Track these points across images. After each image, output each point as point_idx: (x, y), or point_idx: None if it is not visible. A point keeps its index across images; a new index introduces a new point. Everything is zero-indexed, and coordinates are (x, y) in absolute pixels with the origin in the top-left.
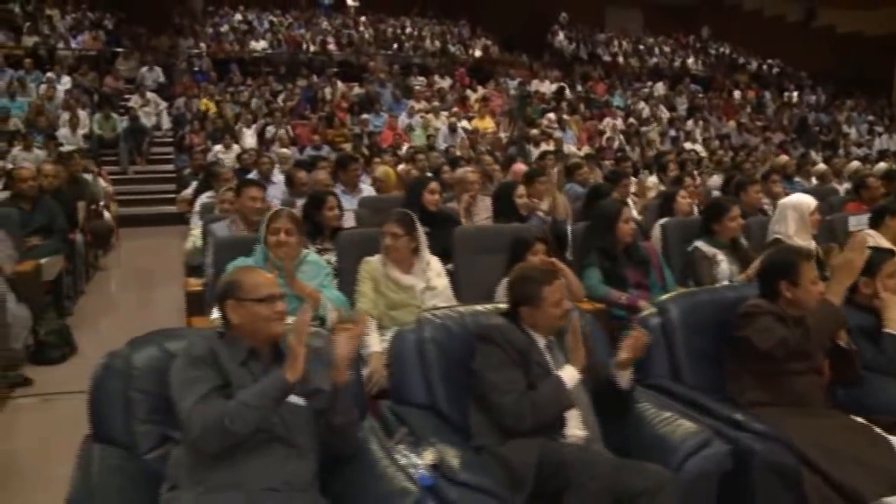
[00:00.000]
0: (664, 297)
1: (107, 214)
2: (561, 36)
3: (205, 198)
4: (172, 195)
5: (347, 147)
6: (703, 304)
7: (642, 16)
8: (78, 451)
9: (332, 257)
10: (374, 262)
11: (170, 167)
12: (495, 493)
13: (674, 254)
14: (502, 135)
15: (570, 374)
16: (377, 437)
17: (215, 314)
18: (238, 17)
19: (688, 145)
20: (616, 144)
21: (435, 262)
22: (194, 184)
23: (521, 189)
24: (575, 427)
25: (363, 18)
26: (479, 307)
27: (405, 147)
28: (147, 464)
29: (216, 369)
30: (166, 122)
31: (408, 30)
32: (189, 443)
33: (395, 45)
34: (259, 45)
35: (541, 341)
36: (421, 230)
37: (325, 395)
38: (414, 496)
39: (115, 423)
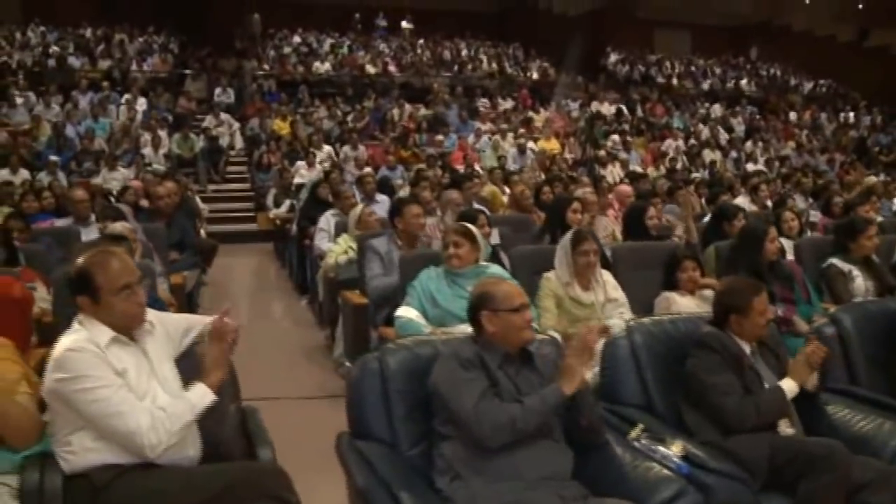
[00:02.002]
0: (835, 309)
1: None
2: (613, 58)
3: (329, 215)
4: (250, 213)
5: (421, 167)
6: (872, 314)
7: (690, 37)
8: (340, 447)
9: None
10: (553, 279)
11: (245, 186)
12: (744, 480)
13: (808, 270)
14: (568, 156)
15: (789, 386)
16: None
17: None
18: (297, 39)
19: (750, 166)
20: (679, 166)
21: (607, 275)
22: (287, 202)
23: (652, 211)
24: (785, 426)
25: (420, 41)
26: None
27: (478, 168)
28: (410, 459)
29: (484, 372)
30: (239, 142)
31: (463, 52)
32: (470, 438)
33: (456, 67)
34: (323, 66)
35: (746, 348)
36: None
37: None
38: (679, 483)
39: (376, 421)
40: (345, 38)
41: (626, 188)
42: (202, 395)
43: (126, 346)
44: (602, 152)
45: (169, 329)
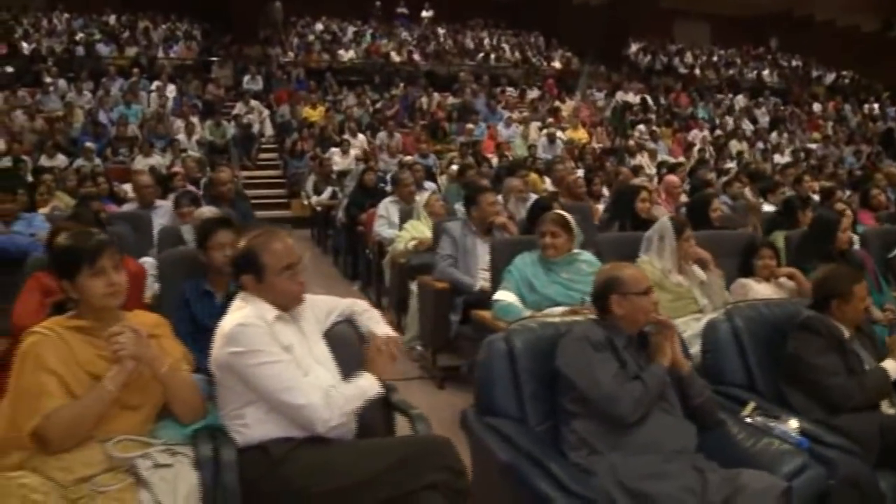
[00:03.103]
0: None
1: None
2: (634, 47)
3: (388, 202)
4: (282, 200)
5: (452, 156)
6: None
7: (709, 27)
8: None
9: None
10: (650, 264)
11: (276, 172)
12: (859, 454)
13: (874, 260)
14: (596, 145)
15: (892, 367)
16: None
17: None
18: (319, 26)
19: (777, 158)
20: (707, 156)
21: None
22: (329, 189)
23: (716, 202)
24: (886, 406)
25: (440, 30)
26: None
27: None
28: (539, 435)
29: (614, 353)
30: (269, 129)
31: (485, 40)
32: (605, 415)
33: (480, 56)
34: (347, 55)
35: (846, 332)
36: None
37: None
38: (802, 457)
39: (505, 399)
40: (367, 27)
41: (675, 179)
42: (371, 385)
43: (287, 324)
44: (631, 142)
45: (315, 310)
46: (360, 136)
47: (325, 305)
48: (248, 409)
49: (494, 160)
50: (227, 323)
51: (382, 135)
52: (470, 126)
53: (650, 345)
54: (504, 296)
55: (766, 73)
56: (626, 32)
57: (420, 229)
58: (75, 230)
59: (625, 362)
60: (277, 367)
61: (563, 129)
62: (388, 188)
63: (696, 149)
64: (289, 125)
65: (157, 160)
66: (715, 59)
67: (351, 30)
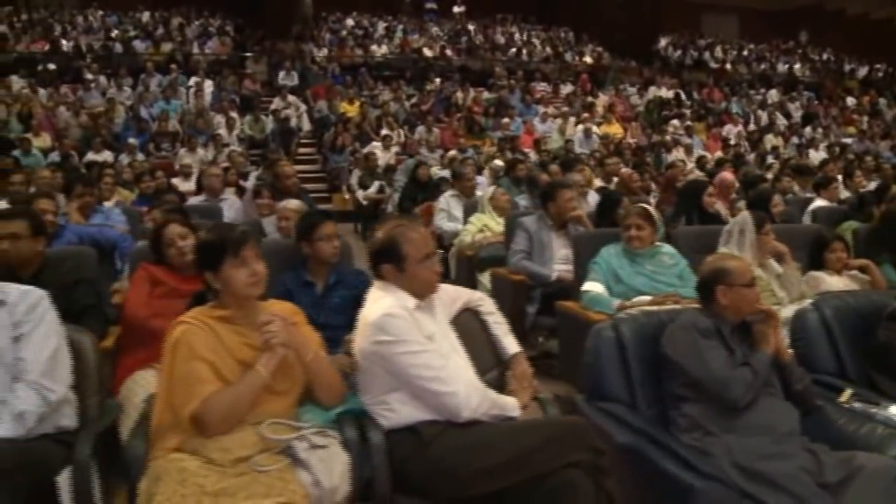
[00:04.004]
0: None
1: None
2: (663, 42)
3: (448, 196)
4: (322, 194)
5: (491, 151)
6: None
7: (738, 21)
8: (580, 409)
9: None
10: None
11: (315, 167)
12: None
13: None
14: (631, 140)
15: None
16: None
17: None
18: (350, 22)
19: (812, 153)
20: (742, 151)
21: None
22: (377, 184)
23: (777, 198)
24: None
25: (470, 25)
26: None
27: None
28: (648, 419)
29: (721, 341)
30: (306, 124)
31: (516, 35)
32: (717, 399)
33: (513, 51)
34: (380, 50)
35: None
36: None
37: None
38: None
39: (616, 384)
40: (397, 22)
41: (729, 176)
42: (513, 407)
43: (425, 313)
44: (667, 137)
45: (444, 298)
46: (398, 131)
47: (450, 294)
48: (393, 394)
49: (532, 155)
50: (371, 312)
51: (421, 129)
52: (505, 121)
53: (754, 333)
54: (592, 286)
55: (797, 67)
56: (655, 27)
57: (486, 222)
58: (217, 224)
59: (732, 350)
60: (424, 357)
61: (598, 124)
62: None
63: (731, 144)
64: (326, 120)
65: (200, 155)
66: (745, 53)
67: (381, 25)
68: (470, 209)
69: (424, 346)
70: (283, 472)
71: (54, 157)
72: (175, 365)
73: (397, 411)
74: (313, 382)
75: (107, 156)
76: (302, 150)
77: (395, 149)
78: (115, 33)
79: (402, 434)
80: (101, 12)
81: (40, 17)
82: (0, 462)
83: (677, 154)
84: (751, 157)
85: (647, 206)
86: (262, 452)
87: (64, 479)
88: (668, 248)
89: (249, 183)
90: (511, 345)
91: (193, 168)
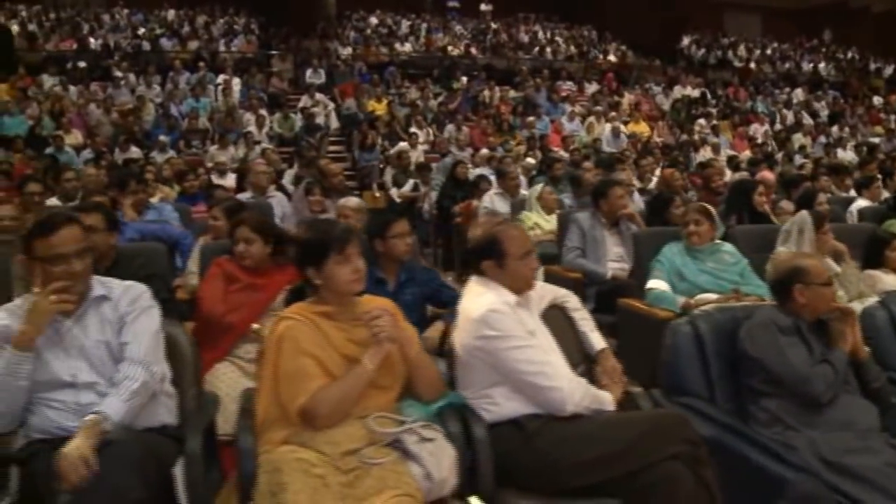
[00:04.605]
0: None
1: None
2: (686, 40)
3: (493, 194)
4: (354, 192)
5: (521, 150)
6: None
7: (760, 19)
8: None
9: None
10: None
11: (344, 165)
12: None
13: None
14: (658, 139)
15: None
16: None
17: None
18: (374, 20)
19: (840, 152)
20: (770, 150)
21: None
22: (411, 182)
23: (821, 197)
24: None
25: (492, 23)
26: None
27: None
28: (727, 413)
29: (800, 338)
30: (334, 122)
31: (539, 34)
32: (799, 395)
33: (536, 50)
34: (404, 48)
35: None
36: None
37: None
38: None
39: (694, 380)
40: (420, 20)
41: (770, 175)
42: (608, 402)
43: (524, 308)
44: (696, 136)
45: (532, 295)
46: (424, 129)
47: (537, 291)
48: (496, 388)
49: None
50: (474, 308)
51: (451, 128)
52: (531, 119)
53: (831, 331)
54: (657, 284)
55: (821, 65)
56: (678, 25)
57: (536, 221)
58: (316, 221)
59: (811, 347)
60: (529, 352)
61: (625, 123)
62: None
63: (759, 143)
64: (354, 118)
65: (231, 152)
66: (769, 52)
67: (405, 23)
68: (516, 207)
69: (528, 342)
70: (394, 464)
71: (86, 154)
72: (281, 360)
73: (501, 405)
74: (415, 377)
75: (135, 153)
76: (331, 147)
77: (421, 147)
78: (141, 31)
79: (505, 427)
80: (126, 10)
81: (68, 16)
82: (132, 451)
83: (705, 153)
84: (779, 156)
85: (704, 204)
86: (370, 445)
87: (179, 472)
88: (728, 246)
89: (286, 181)
90: (598, 341)
91: (228, 165)
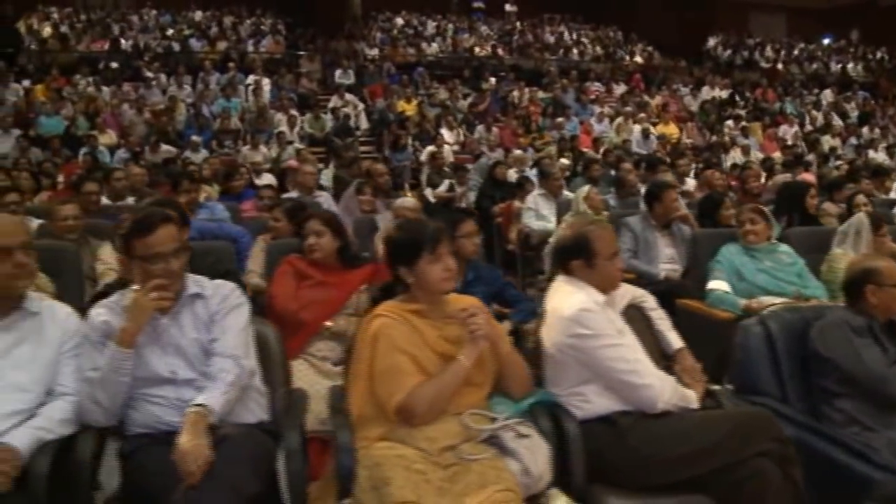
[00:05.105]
0: None
1: None
2: (711, 41)
3: (536, 195)
4: None
5: (551, 150)
6: None
7: (785, 19)
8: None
9: None
10: (843, 256)
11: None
12: None
13: None
14: (687, 140)
15: None
16: None
17: None
18: (400, 21)
19: (871, 154)
20: (800, 152)
21: None
22: (447, 182)
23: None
24: None
25: (518, 24)
26: None
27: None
28: (797, 411)
29: (874, 338)
30: (364, 122)
31: (565, 35)
32: (875, 396)
33: (562, 51)
34: (430, 48)
35: None
36: None
37: None
38: None
39: (766, 379)
40: (446, 21)
41: (811, 177)
42: (693, 400)
43: (610, 308)
44: (725, 138)
45: (616, 293)
46: (453, 130)
47: (618, 290)
48: (588, 386)
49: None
50: (565, 307)
51: (481, 128)
52: (560, 120)
53: None
54: (718, 285)
55: (850, 66)
56: (703, 26)
57: None
58: (407, 220)
59: (885, 347)
60: (620, 350)
61: (654, 125)
62: None
63: (789, 145)
64: (384, 118)
65: (263, 152)
66: (795, 52)
67: (431, 24)
68: (562, 208)
69: (619, 340)
70: (493, 460)
71: (121, 153)
72: (376, 357)
73: (592, 402)
74: (506, 374)
75: (165, 152)
76: (361, 148)
77: (448, 148)
78: (170, 32)
79: (597, 424)
80: (154, 11)
81: (98, 18)
82: (246, 445)
83: (735, 155)
84: (810, 157)
85: (758, 205)
86: (466, 442)
87: (281, 467)
88: (784, 247)
89: (323, 181)
90: (675, 340)
91: (263, 165)
